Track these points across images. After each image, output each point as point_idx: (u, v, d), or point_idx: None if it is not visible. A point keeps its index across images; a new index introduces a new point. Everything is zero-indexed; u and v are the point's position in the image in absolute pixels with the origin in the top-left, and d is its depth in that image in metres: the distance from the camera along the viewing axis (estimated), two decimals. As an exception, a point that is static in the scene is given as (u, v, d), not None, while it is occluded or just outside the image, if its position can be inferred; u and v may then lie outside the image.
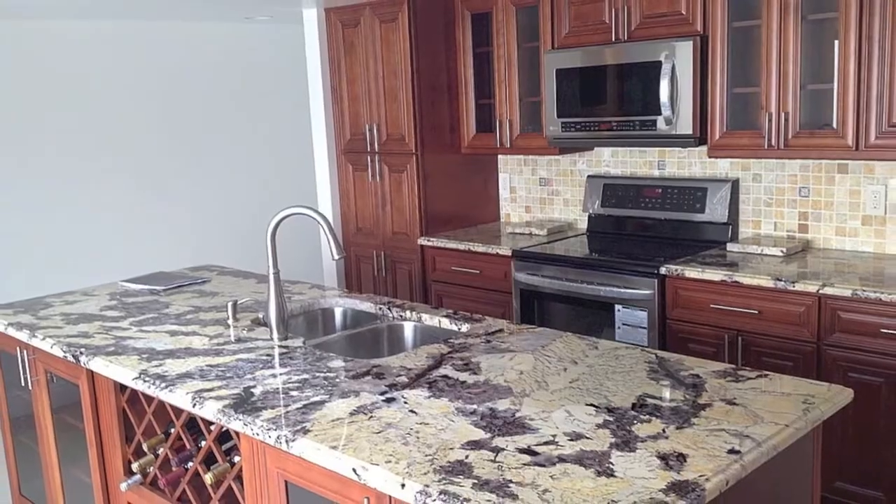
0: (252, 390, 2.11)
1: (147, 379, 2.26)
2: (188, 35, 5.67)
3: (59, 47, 5.10)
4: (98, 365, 2.46)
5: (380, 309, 2.93)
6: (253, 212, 5.86)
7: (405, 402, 1.96)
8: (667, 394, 1.95)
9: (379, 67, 4.60)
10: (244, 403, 2.02)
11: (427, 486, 1.53)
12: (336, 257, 2.53)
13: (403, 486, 1.56)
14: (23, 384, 2.97)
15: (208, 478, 2.17)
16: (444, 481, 1.54)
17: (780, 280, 3.13)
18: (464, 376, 2.13)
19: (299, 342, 2.53)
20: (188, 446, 2.34)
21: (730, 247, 3.69)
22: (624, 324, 3.61)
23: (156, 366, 2.35)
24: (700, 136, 3.59)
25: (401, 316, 2.85)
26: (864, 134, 3.16)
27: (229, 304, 2.79)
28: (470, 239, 4.38)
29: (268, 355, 2.41)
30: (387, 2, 4.48)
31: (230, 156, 5.99)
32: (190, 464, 2.32)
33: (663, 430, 1.73)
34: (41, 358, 2.85)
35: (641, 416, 1.81)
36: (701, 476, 1.52)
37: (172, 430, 2.38)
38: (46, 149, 5.10)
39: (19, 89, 4.96)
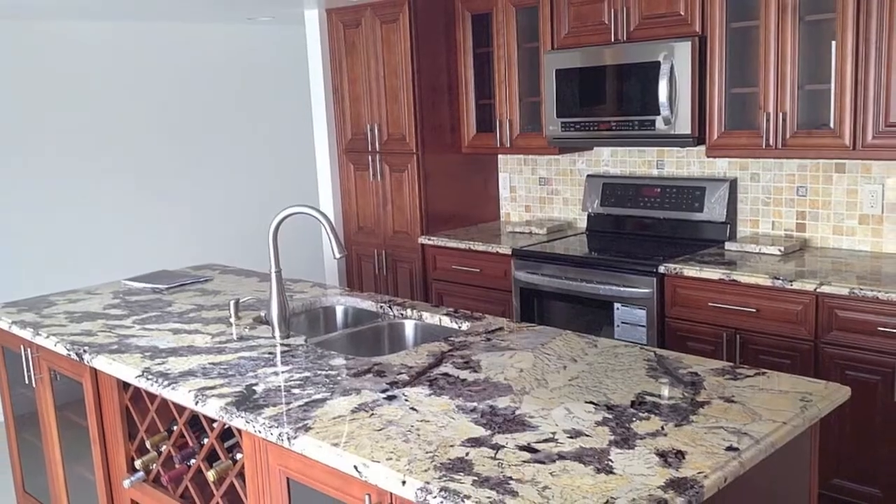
0: (254, 388, 2.12)
1: (150, 377, 2.27)
2: (189, 36, 5.68)
3: (59, 47, 5.11)
4: (101, 363, 2.48)
5: (381, 307, 2.94)
6: (253, 211, 5.88)
7: (406, 400, 1.98)
8: (665, 391, 1.97)
9: (380, 68, 4.62)
10: (246, 401, 2.03)
11: (428, 482, 1.55)
12: (337, 256, 2.55)
13: (404, 483, 1.58)
14: (27, 382, 2.99)
15: (211, 475, 2.19)
16: (444, 478, 1.56)
17: (778, 279, 3.15)
18: (464, 374, 2.15)
19: (301, 340, 2.54)
20: (191, 443, 2.35)
21: (728, 246, 3.71)
22: (623, 322, 3.63)
23: (158, 364, 2.37)
24: (698, 136, 3.61)
25: (401, 314, 2.87)
26: (861, 134, 3.18)
27: (231, 303, 2.81)
28: (470, 238, 4.40)
29: (270, 353, 2.43)
30: (388, 2, 4.49)
31: (231, 156, 6.00)
32: (192, 461, 2.34)
33: (662, 428, 1.75)
34: (45, 356, 2.87)
35: (640, 414, 1.83)
36: (699, 473, 1.54)
37: (175, 428, 2.39)
38: (47, 149, 5.10)
39: (19, 89, 4.97)
